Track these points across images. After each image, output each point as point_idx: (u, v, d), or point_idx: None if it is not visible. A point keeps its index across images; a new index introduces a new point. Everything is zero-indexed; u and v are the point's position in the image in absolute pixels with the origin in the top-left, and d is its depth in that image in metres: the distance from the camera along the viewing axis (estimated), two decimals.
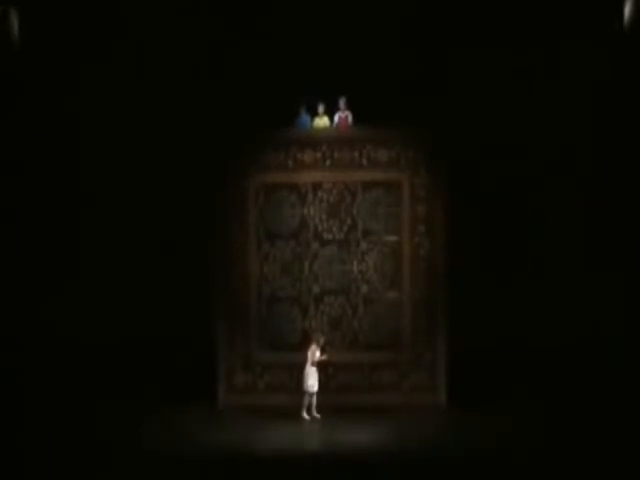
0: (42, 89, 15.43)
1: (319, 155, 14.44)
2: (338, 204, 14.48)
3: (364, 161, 14.43)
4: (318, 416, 13.70)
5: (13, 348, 14.97)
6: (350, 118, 14.67)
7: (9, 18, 14.44)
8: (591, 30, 14.90)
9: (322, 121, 14.71)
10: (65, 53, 15.30)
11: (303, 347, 14.19)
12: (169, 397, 14.60)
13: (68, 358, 15.17)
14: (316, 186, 14.48)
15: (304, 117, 14.72)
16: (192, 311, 15.18)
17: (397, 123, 14.37)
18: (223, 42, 15.34)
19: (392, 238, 14.45)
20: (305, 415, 13.66)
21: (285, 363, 14.49)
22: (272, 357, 14.56)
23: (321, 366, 13.79)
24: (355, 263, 14.49)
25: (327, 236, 14.50)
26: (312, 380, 13.63)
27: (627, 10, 14.26)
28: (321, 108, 14.63)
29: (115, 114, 15.48)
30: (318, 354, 13.68)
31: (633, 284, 15.01)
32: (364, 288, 14.50)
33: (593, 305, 15.14)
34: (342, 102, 14.64)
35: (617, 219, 15.15)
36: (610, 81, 15.02)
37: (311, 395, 13.69)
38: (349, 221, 14.48)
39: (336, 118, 14.69)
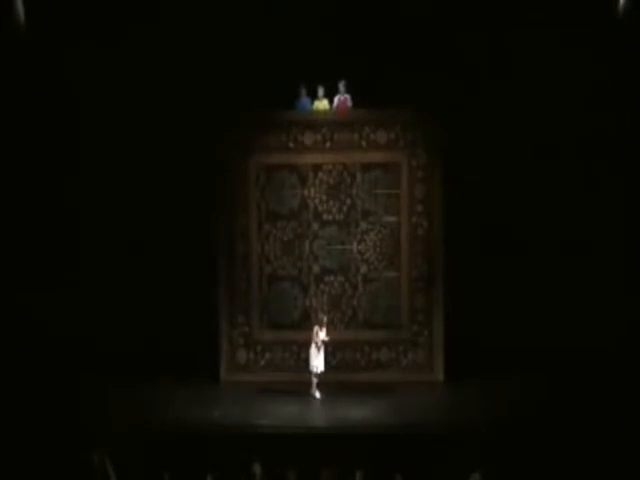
0: (45, 71, 15.52)
1: (319, 137, 14.62)
2: (338, 185, 14.67)
3: (363, 143, 14.61)
4: (317, 395, 13.92)
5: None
6: (349, 101, 14.83)
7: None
8: (587, 15, 15.03)
9: (322, 104, 14.84)
10: (68, 38, 15.40)
11: (304, 326, 14.47)
12: (172, 375, 14.78)
13: (72, 339, 15.37)
14: (316, 167, 14.65)
15: (304, 100, 14.87)
16: (195, 291, 15.42)
17: (396, 105, 14.55)
18: (225, 24, 15.44)
19: (391, 219, 14.64)
20: (316, 394, 13.87)
21: (286, 341, 14.74)
22: (273, 335, 14.80)
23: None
24: (354, 243, 14.70)
25: (327, 217, 14.70)
26: (314, 361, 13.82)
27: None
28: (321, 91, 14.76)
29: (117, 95, 15.52)
30: (322, 335, 13.84)
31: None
32: (363, 268, 14.71)
33: (592, 286, 15.35)
34: (342, 85, 14.78)
35: (623, 201, 15.34)
36: (607, 68, 15.15)
37: (315, 375, 13.89)
38: (348, 202, 14.67)
39: (336, 101, 14.83)
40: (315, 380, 13.86)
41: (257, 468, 11.06)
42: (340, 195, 14.69)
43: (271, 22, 15.42)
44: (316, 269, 14.75)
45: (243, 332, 14.79)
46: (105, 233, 15.87)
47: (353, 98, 14.80)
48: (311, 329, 13.97)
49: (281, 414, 12.99)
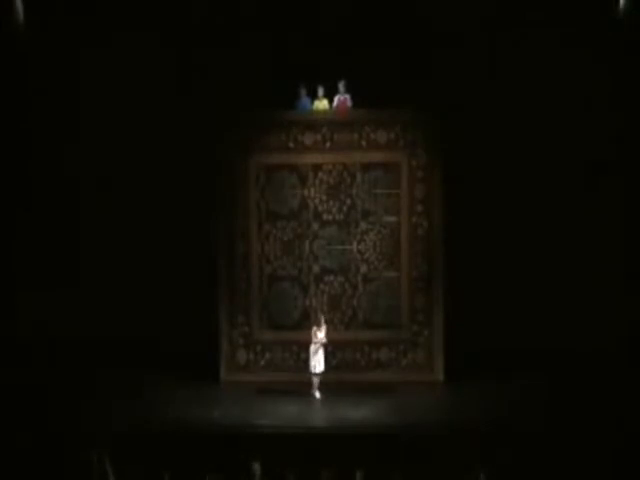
0: (45, 71, 15.54)
1: (319, 137, 14.62)
2: (338, 185, 14.68)
3: (363, 143, 14.61)
4: (317, 395, 13.93)
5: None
6: (349, 101, 14.84)
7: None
8: (587, 15, 15.05)
9: (322, 104, 14.84)
10: (68, 38, 15.41)
11: (304, 326, 14.46)
12: (172, 375, 14.78)
13: (72, 339, 15.39)
14: (316, 167, 14.65)
15: (304, 100, 14.87)
16: (195, 291, 15.44)
17: (396, 105, 14.54)
18: (224, 24, 15.47)
19: (391, 218, 14.65)
20: (316, 394, 13.87)
21: (286, 341, 14.74)
22: (273, 335, 14.80)
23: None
24: (354, 243, 14.71)
25: (327, 217, 14.70)
26: (313, 361, 13.83)
27: None
28: (321, 91, 14.76)
29: (117, 96, 15.56)
30: (319, 335, 13.84)
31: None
32: (363, 267, 14.71)
33: (592, 286, 15.36)
34: (341, 85, 14.79)
35: (623, 201, 15.33)
36: (607, 68, 15.17)
37: (315, 375, 13.91)
38: (348, 202, 14.68)
39: (336, 101, 14.84)
40: (315, 380, 13.87)
41: (257, 468, 11.07)
42: (340, 195, 14.69)
43: (271, 22, 15.43)
44: (316, 269, 14.75)
45: (243, 332, 14.79)
46: (105, 233, 15.88)
47: (353, 98, 14.80)
48: (311, 329, 13.97)
49: (281, 414, 12.98)
